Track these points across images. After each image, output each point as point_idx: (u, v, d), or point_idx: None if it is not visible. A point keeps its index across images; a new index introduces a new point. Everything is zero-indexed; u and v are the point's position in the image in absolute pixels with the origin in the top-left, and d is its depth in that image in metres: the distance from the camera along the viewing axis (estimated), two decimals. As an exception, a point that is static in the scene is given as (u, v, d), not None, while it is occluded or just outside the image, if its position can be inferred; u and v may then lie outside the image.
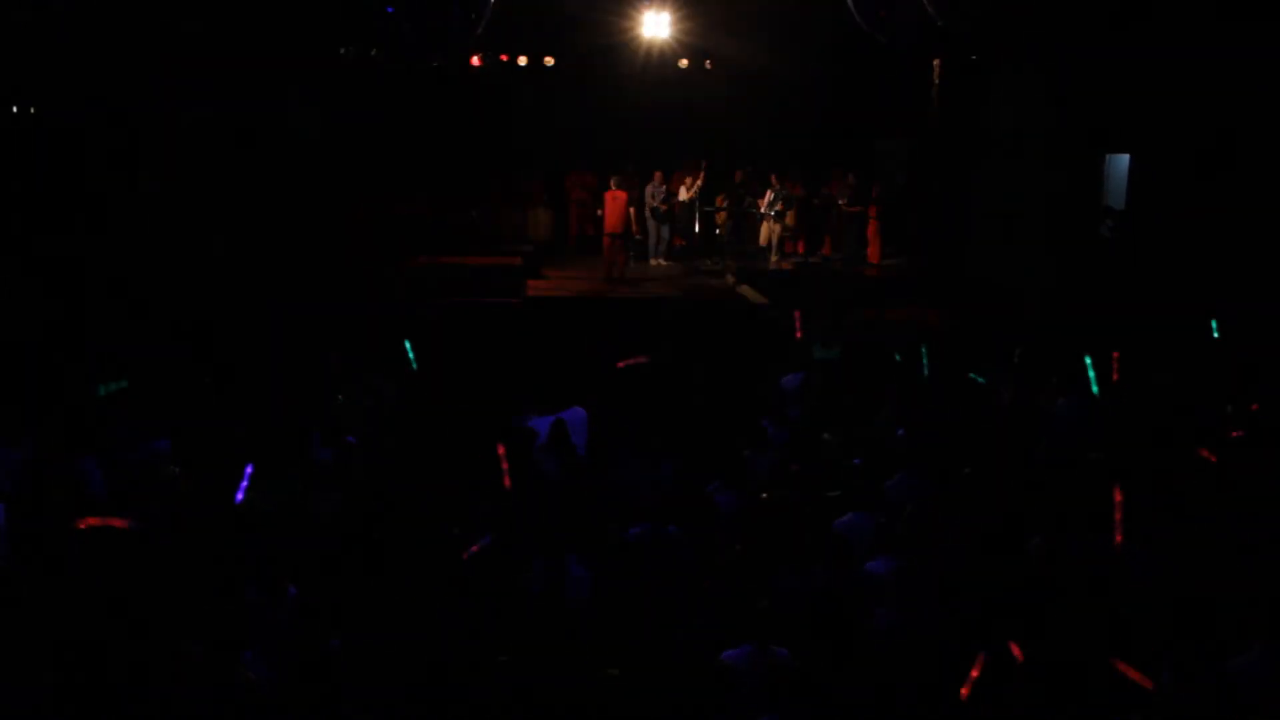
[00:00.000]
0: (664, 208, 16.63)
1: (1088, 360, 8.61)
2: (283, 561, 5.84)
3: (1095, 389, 8.50)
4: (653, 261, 16.87)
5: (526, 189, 18.23)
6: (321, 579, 5.86)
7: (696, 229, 17.15)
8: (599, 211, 16.11)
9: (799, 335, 11.26)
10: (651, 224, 16.68)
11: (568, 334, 12.68)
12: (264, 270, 13.71)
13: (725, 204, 17.10)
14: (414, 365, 9.85)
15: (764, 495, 7.08)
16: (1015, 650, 4.99)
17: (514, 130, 18.17)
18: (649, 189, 16.59)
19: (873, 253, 16.57)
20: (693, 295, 15.06)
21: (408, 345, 9.93)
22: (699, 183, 16.74)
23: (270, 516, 6.46)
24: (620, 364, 10.42)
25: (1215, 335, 10.15)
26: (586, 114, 18.04)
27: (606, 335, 11.82)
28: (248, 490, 6.75)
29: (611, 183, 15.60)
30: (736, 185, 17.17)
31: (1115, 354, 9.60)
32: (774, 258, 16.67)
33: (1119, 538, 6.18)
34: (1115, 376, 9.41)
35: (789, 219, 16.98)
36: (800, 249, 17.45)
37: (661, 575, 6.28)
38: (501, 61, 17.26)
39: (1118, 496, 6.22)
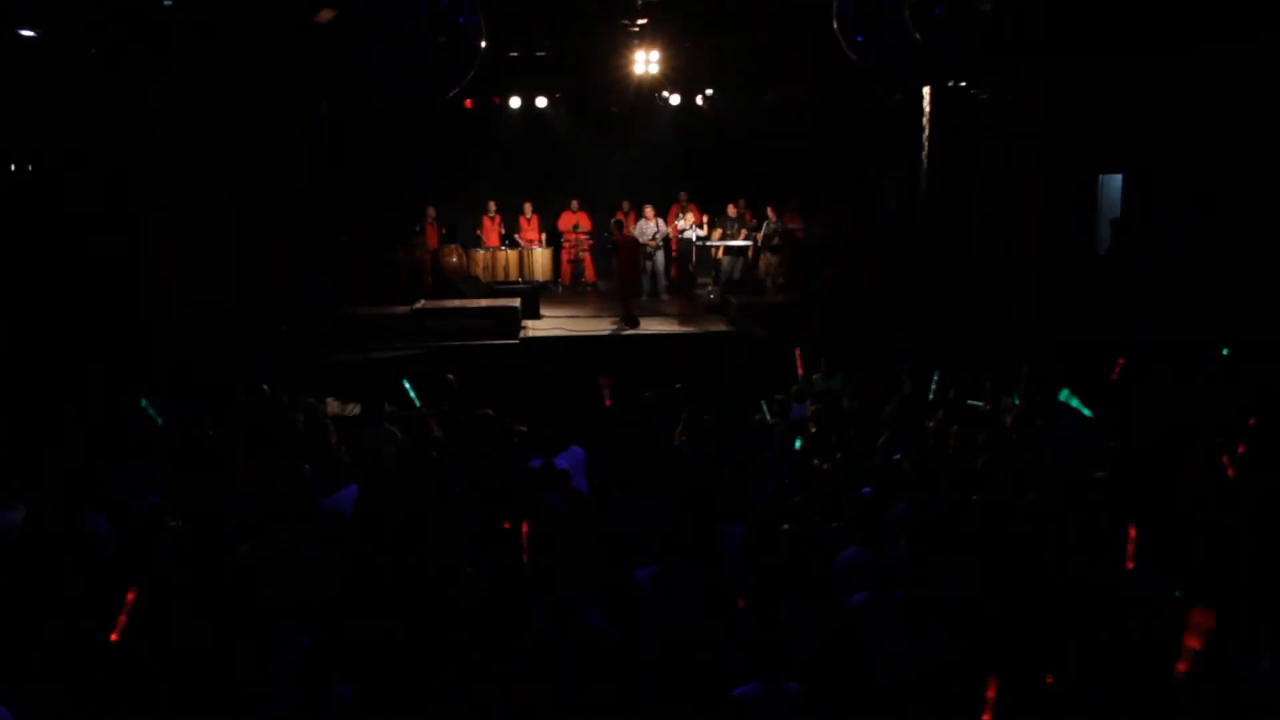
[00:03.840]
0: (653, 244, 16.71)
1: (1065, 393, 8.55)
2: (291, 610, 5.80)
3: (1088, 413, 8.44)
4: (647, 297, 16.90)
5: (520, 229, 18.29)
6: (331, 626, 5.82)
7: (693, 262, 17.27)
8: (609, 248, 16.17)
9: (800, 371, 11.27)
10: (647, 260, 16.76)
11: (566, 373, 12.67)
12: (262, 318, 13.74)
13: (722, 237, 17.19)
14: (417, 404, 9.86)
15: (774, 527, 7.05)
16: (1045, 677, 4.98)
17: (508, 169, 18.26)
18: (640, 224, 16.67)
19: (870, 280, 16.58)
20: (691, 330, 15.08)
21: (407, 385, 9.94)
22: (695, 216, 16.85)
23: (277, 565, 6.43)
24: (608, 400, 10.48)
25: (1224, 352, 10.15)
26: (580, 153, 18.14)
27: (606, 373, 11.85)
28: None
29: (621, 217, 15.55)
30: (732, 218, 17.28)
31: (1120, 360, 9.59)
32: (771, 289, 16.72)
33: (1129, 565, 6.16)
34: (1115, 375, 9.42)
35: (786, 251, 17.04)
36: (798, 280, 17.49)
37: (669, 613, 6.26)
38: (494, 104, 17.39)
39: (1132, 532, 6.17)
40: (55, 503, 6.75)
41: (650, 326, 15.08)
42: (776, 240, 16.69)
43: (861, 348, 13.07)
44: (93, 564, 6.37)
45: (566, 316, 16.03)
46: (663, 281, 16.98)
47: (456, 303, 15.72)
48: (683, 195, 17.29)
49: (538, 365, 13.28)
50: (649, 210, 16.87)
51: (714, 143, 17.74)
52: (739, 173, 17.80)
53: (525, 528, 6.94)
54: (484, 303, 15.60)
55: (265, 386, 10.67)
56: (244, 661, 5.15)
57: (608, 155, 18.05)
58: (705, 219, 17.22)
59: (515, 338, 14.42)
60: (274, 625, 5.56)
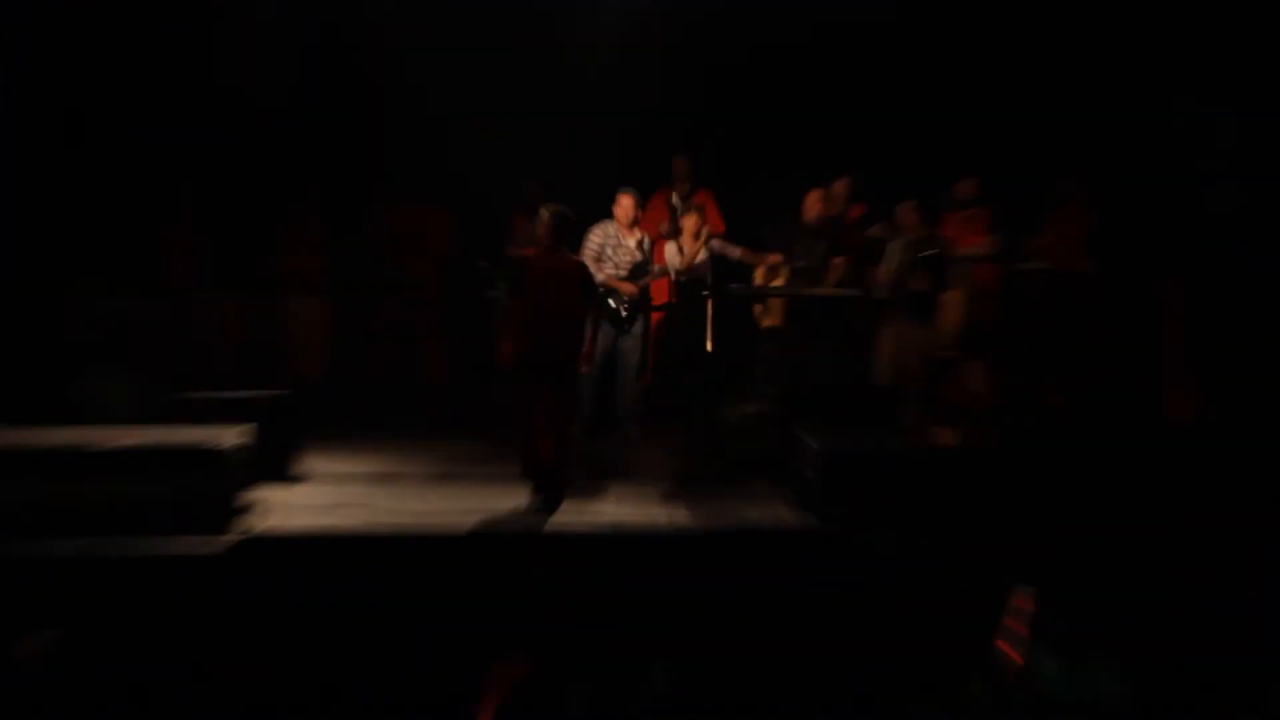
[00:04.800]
0: (622, 307, 7.37)
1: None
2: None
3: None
4: (587, 428, 7.24)
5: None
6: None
7: (709, 337, 7.48)
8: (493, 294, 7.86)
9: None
10: (602, 335, 7.10)
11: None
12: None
13: (793, 272, 7.94)
14: None
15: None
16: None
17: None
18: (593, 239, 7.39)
19: (1174, 399, 10.39)
20: (698, 525, 5.89)
21: None
22: (713, 222, 8.01)
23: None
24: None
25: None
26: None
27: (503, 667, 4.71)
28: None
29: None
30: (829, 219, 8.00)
31: None
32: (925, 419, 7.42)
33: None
34: None
35: (965, 311, 8.36)
36: (1000, 391, 8.53)
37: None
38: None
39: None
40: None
41: (585, 509, 6.18)
42: (927, 287, 7.61)
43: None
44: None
45: (364, 474, 6.91)
46: (631, 389, 7.40)
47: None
48: (679, 168, 8.08)
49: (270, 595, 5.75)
50: (625, 200, 7.59)
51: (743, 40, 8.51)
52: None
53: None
54: (134, 438, 5.94)
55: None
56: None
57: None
58: (722, 236, 7.92)
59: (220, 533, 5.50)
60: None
